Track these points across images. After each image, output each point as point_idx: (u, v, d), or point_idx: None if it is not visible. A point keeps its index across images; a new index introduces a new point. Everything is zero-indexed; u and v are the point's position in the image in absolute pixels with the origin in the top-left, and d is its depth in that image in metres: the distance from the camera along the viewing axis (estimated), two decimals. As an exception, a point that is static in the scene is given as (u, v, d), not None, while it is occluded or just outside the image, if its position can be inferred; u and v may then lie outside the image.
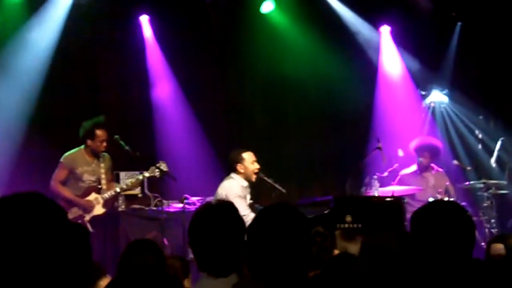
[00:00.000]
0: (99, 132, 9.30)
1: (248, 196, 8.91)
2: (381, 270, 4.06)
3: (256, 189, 9.26)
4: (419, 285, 3.37)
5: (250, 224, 3.45)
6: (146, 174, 9.42)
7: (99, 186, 9.40)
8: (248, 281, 3.46)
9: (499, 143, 11.36)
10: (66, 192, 9.22)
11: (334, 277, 5.01)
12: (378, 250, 4.40)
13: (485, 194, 10.68)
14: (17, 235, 2.24)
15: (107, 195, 9.35)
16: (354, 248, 5.91)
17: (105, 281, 5.02)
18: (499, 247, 5.92)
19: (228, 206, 3.80)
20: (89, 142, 9.31)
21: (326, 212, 8.72)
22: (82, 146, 9.39)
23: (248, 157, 9.02)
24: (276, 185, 9.31)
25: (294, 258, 3.30)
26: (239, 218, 3.75)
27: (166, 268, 4.79)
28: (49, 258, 2.26)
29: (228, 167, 9.06)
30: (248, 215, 8.04)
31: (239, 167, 8.94)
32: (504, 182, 10.98)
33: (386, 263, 4.07)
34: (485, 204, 10.57)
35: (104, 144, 9.37)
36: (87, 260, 2.41)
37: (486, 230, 10.44)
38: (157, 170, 9.35)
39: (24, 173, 10.34)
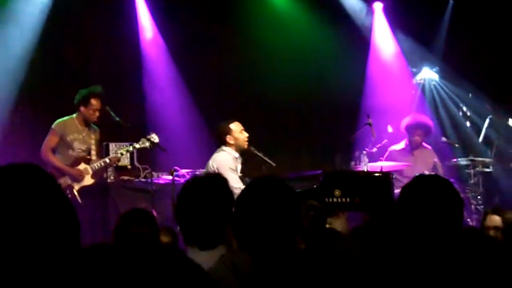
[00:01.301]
0: (94, 101, 9.30)
1: (239, 168, 8.92)
2: (368, 247, 4.09)
3: (246, 162, 9.28)
4: (408, 260, 3.39)
5: (238, 197, 3.46)
6: (137, 146, 9.42)
7: (88, 157, 9.41)
8: (236, 253, 3.47)
9: (487, 121, 11.42)
10: (56, 161, 9.21)
11: (319, 253, 5.06)
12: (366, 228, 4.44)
13: (472, 171, 10.75)
14: (11, 206, 2.26)
15: (96, 165, 9.34)
16: (337, 223, 5.96)
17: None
18: (495, 219, 6.00)
19: (216, 179, 3.78)
20: (82, 109, 9.30)
21: (315, 186, 8.75)
22: (74, 115, 9.38)
23: (235, 127, 9.00)
24: (266, 159, 9.32)
25: (282, 231, 3.31)
26: (228, 191, 3.72)
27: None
28: (40, 229, 2.28)
29: (218, 140, 9.06)
30: (240, 188, 8.03)
31: (229, 138, 8.92)
32: (491, 160, 11.05)
33: (373, 240, 4.10)
34: (472, 181, 10.65)
35: (97, 113, 9.36)
36: (77, 233, 2.43)
37: (473, 206, 10.53)
38: (148, 141, 9.35)
39: (15, 141, 10.36)
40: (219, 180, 3.74)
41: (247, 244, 3.32)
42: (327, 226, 5.75)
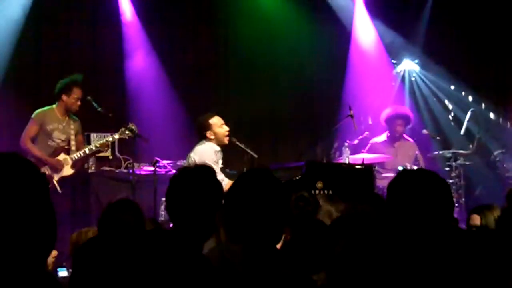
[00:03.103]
0: (75, 89, 9.26)
1: (221, 161, 8.90)
2: (354, 239, 4.07)
3: (228, 154, 9.26)
4: (398, 254, 3.38)
5: (229, 189, 3.47)
6: (116, 136, 9.39)
7: (68, 147, 9.35)
8: (225, 245, 3.48)
9: (468, 113, 11.47)
10: (36, 150, 9.15)
11: (304, 244, 5.05)
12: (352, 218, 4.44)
13: (454, 164, 10.80)
14: None
15: (76, 155, 9.29)
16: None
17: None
18: (476, 218, 6.09)
19: (205, 170, 3.78)
20: (64, 97, 9.24)
21: (297, 177, 8.75)
22: (54, 105, 9.33)
23: (215, 121, 8.97)
24: (248, 150, 9.31)
25: (271, 222, 3.33)
26: (217, 182, 3.73)
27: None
28: (23, 217, 2.27)
29: (199, 134, 9.03)
30: (222, 180, 8.01)
31: (209, 134, 8.89)
32: (472, 152, 11.11)
33: (360, 232, 4.09)
34: (453, 174, 10.69)
35: (79, 102, 9.32)
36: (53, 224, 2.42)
37: (454, 199, 10.56)
38: (127, 131, 9.31)
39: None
40: (208, 171, 3.72)
41: (236, 236, 3.33)
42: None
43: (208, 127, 8.90)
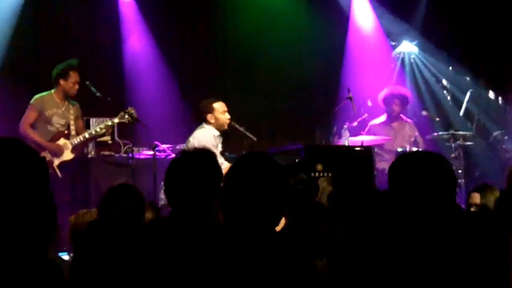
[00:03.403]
0: (72, 73, 9.24)
1: (220, 145, 8.91)
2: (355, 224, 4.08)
3: (227, 137, 9.27)
4: (402, 238, 3.36)
5: (228, 172, 3.46)
6: (116, 120, 9.37)
7: (67, 132, 9.34)
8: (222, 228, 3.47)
9: (468, 94, 11.46)
10: (35, 136, 9.14)
11: (304, 227, 5.06)
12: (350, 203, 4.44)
13: (453, 145, 10.79)
14: None
15: (75, 140, 9.28)
16: None
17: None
18: (476, 196, 6.11)
19: (206, 154, 3.77)
20: (62, 82, 9.23)
21: (297, 160, 8.75)
22: (52, 90, 9.31)
23: (218, 107, 9.00)
24: (247, 133, 9.31)
25: (270, 205, 3.32)
26: (217, 166, 3.72)
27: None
28: (23, 202, 2.27)
29: (198, 117, 9.04)
30: (221, 164, 8.03)
31: (210, 117, 8.92)
32: (472, 133, 11.11)
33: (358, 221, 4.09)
34: (452, 155, 10.68)
35: (76, 86, 9.30)
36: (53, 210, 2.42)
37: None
38: (126, 115, 9.30)
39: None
40: (208, 154, 3.71)
41: (235, 219, 3.32)
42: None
43: (211, 110, 8.93)
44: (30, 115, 9.21)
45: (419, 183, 3.32)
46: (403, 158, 3.51)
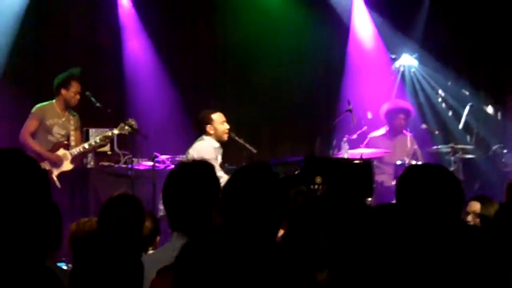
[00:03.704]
0: (74, 83, 9.28)
1: (220, 157, 8.92)
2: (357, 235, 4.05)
3: (227, 149, 9.28)
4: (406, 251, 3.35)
5: (226, 183, 3.46)
6: (116, 131, 9.39)
7: (67, 142, 9.36)
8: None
9: (467, 108, 11.48)
10: (36, 145, 9.16)
11: (302, 237, 5.05)
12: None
13: (452, 158, 10.78)
14: None
15: (75, 151, 9.31)
16: None
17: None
18: (475, 205, 6.07)
19: (203, 165, 3.78)
20: (63, 91, 9.25)
21: (296, 172, 8.76)
22: (54, 100, 9.34)
23: (217, 117, 9.03)
24: (247, 145, 9.34)
25: (269, 217, 3.32)
26: (215, 177, 3.74)
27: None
28: (24, 213, 2.27)
29: (198, 128, 9.06)
30: (221, 177, 8.00)
31: (209, 128, 8.94)
32: (471, 147, 11.11)
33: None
34: (452, 168, 10.65)
35: (78, 96, 9.33)
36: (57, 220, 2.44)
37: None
38: (126, 127, 9.32)
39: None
40: (206, 166, 3.73)
41: (234, 230, 3.32)
42: None
43: (209, 121, 8.95)
44: (31, 124, 9.24)
45: (428, 196, 3.33)
46: (412, 171, 3.53)
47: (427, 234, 3.29)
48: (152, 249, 5.32)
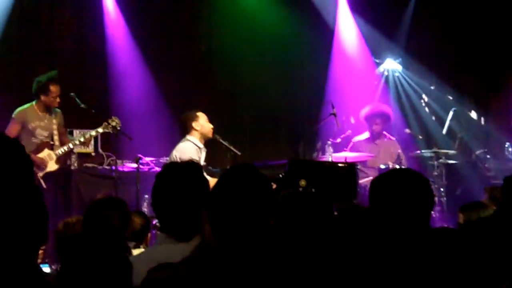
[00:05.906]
0: (53, 87, 9.23)
1: (203, 158, 8.91)
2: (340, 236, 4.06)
3: (211, 151, 9.28)
4: (379, 252, 3.39)
5: (215, 185, 3.45)
6: (100, 130, 9.38)
7: (52, 142, 9.34)
8: (210, 243, 3.45)
9: (451, 113, 11.53)
10: (19, 149, 9.11)
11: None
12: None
13: (435, 163, 10.81)
14: None
15: (60, 151, 9.29)
16: None
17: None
18: (460, 216, 6.12)
19: (193, 166, 3.77)
20: (42, 97, 9.23)
21: (280, 175, 8.76)
22: (34, 102, 9.31)
23: (202, 115, 9.06)
24: (231, 147, 9.33)
25: (257, 217, 3.31)
26: (203, 178, 3.73)
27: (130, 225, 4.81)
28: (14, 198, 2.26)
29: (183, 128, 9.04)
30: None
31: (195, 124, 8.94)
32: (454, 152, 11.14)
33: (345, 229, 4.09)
34: (435, 173, 10.71)
35: (58, 99, 9.30)
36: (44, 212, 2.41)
37: (436, 198, 10.59)
38: (110, 125, 9.31)
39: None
40: (195, 167, 3.72)
41: (223, 233, 3.31)
42: None
43: (195, 118, 8.97)
44: (12, 129, 9.21)
45: (396, 201, 3.39)
46: (383, 176, 3.60)
47: (396, 236, 3.34)
48: (144, 246, 5.32)
